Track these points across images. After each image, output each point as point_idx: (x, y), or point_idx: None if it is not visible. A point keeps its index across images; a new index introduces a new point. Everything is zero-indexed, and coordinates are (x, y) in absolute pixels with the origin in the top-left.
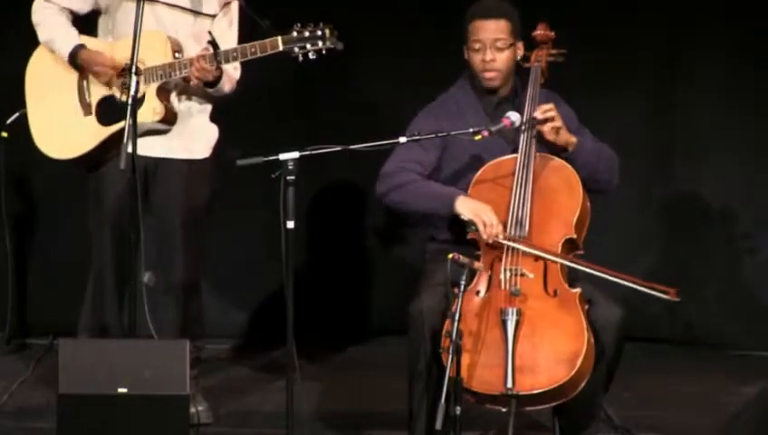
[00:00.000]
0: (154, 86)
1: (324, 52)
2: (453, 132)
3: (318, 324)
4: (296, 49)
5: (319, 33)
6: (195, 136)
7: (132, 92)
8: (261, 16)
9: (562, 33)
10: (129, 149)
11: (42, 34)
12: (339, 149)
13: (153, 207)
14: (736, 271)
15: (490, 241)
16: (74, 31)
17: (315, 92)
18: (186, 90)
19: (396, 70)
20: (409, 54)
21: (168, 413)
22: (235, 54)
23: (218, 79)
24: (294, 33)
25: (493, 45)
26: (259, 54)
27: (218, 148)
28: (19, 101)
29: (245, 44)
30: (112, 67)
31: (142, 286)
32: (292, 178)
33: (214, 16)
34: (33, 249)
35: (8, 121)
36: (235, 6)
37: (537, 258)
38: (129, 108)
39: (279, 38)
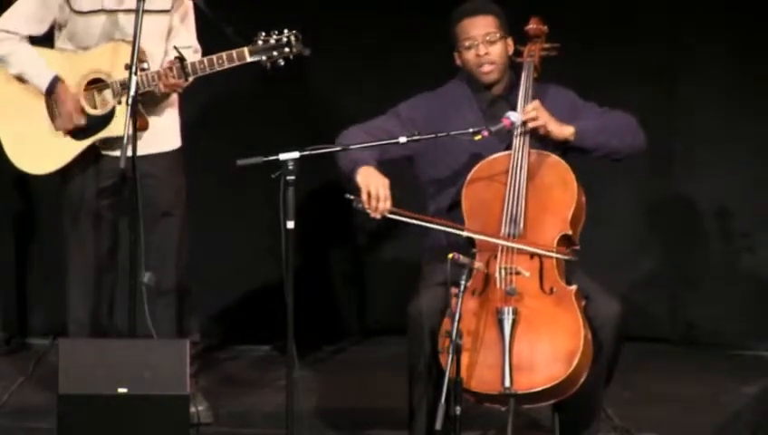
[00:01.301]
0: (123, 99)
1: (291, 58)
2: (453, 132)
3: (317, 324)
4: (264, 58)
5: (284, 39)
6: (167, 128)
7: (132, 92)
8: (225, 22)
9: (562, 32)
10: (129, 151)
11: (12, 69)
12: (339, 149)
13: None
14: (736, 271)
15: (378, 217)
16: (43, 63)
17: (310, 92)
18: (152, 93)
19: (394, 69)
20: (408, 54)
21: (168, 413)
22: (202, 66)
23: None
24: (260, 43)
25: (484, 40)
26: (227, 66)
27: (185, 135)
28: None
29: (213, 56)
30: (71, 120)
31: (142, 286)
32: (292, 178)
33: (168, 11)
34: (33, 249)
35: None
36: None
37: (532, 256)
38: (128, 108)
39: (245, 49)
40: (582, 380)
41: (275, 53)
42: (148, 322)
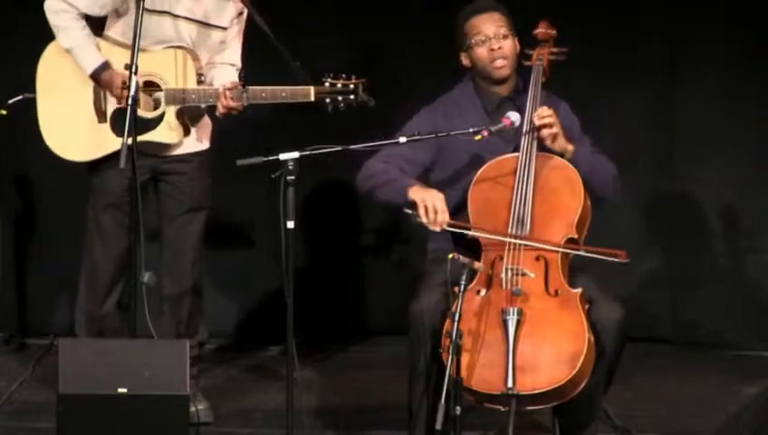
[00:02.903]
0: (174, 108)
1: (355, 106)
2: (453, 132)
3: (317, 324)
4: (327, 100)
5: (351, 87)
6: (201, 129)
7: (132, 92)
8: (292, 56)
9: (563, 33)
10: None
11: (63, 41)
12: (339, 149)
13: (166, 205)
14: (736, 271)
15: (437, 229)
16: (95, 46)
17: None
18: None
19: (395, 69)
20: (409, 54)
21: (168, 413)
22: (264, 95)
23: None
24: (327, 85)
25: (496, 35)
26: (289, 100)
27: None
28: (26, 85)
29: (277, 88)
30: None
31: (142, 286)
32: (293, 178)
33: (225, 29)
34: (33, 249)
35: (9, 102)
36: (244, 16)
37: (538, 258)
38: (128, 107)
39: (312, 89)
40: (585, 382)
41: (340, 99)
42: (148, 322)
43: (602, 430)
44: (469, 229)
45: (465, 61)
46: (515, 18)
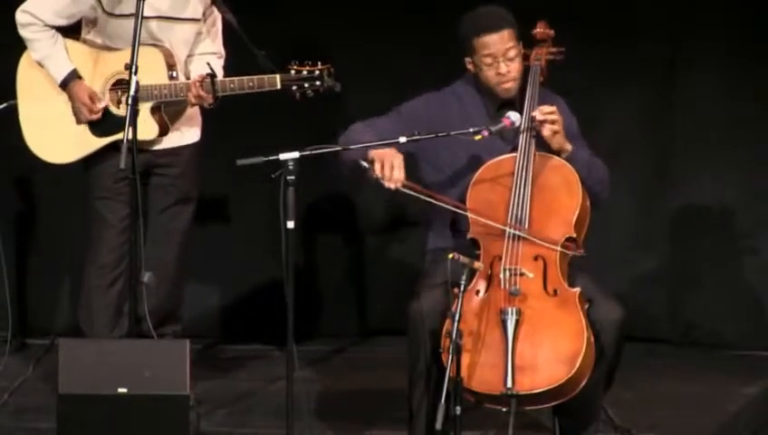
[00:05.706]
0: (149, 105)
1: (321, 91)
2: (453, 132)
3: (317, 324)
4: (294, 87)
5: (317, 73)
6: (191, 122)
7: (132, 92)
8: (257, 46)
9: (563, 32)
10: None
11: (33, 53)
12: (339, 149)
13: (155, 197)
14: (736, 271)
15: (392, 187)
16: (64, 55)
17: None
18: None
19: (395, 70)
20: (409, 55)
21: (168, 413)
22: (232, 86)
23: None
24: (292, 72)
25: (504, 56)
26: (256, 90)
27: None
28: (9, 92)
29: (244, 78)
30: (91, 111)
31: (142, 286)
32: (293, 178)
33: (199, 20)
34: (33, 249)
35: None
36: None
37: (536, 257)
38: (128, 107)
39: (278, 77)
40: (584, 382)
41: (306, 85)
42: (148, 322)
43: (602, 430)
44: (427, 195)
45: (469, 66)
46: (516, 18)
